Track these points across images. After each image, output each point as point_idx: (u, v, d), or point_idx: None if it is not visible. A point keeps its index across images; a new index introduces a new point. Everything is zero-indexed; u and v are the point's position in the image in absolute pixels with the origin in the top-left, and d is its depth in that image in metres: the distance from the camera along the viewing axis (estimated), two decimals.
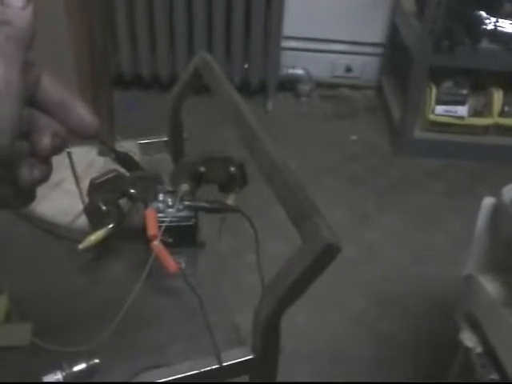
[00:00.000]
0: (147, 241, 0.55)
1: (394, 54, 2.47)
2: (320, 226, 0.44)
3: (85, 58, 0.72)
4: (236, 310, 0.61)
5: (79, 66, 0.72)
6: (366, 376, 1.40)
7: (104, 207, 0.58)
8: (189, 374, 0.50)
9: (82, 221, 0.65)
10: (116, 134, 0.82)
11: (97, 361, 0.50)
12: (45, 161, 0.34)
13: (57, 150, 0.34)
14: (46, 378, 0.49)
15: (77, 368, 0.50)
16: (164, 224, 0.56)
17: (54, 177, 0.74)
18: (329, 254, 0.42)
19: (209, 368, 0.51)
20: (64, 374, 0.50)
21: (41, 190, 0.75)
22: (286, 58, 2.46)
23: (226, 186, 0.64)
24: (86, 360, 0.50)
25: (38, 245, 0.68)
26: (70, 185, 0.69)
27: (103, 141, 0.74)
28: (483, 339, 0.90)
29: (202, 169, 0.61)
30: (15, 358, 0.51)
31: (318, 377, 1.39)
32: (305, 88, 2.52)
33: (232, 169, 0.62)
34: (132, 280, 0.51)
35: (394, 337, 1.50)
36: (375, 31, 2.48)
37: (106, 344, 0.49)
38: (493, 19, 1.98)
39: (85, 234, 0.60)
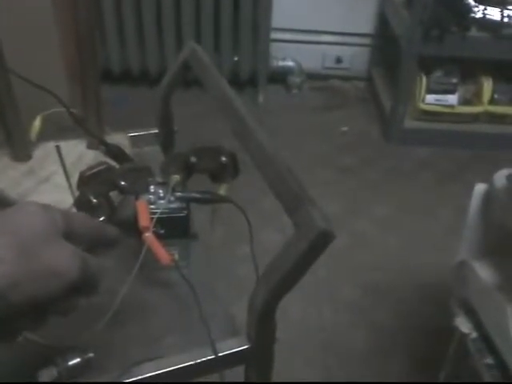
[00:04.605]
0: (139, 233, 0.54)
1: (384, 44, 2.47)
2: (313, 213, 0.43)
3: (72, 49, 0.71)
4: (230, 300, 0.60)
5: (67, 57, 0.71)
6: (362, 365, 1.41)
7: (94, 200, 0.58)
8: (184, 365, 0.50)
9: None
10: (106, 127, 0.81)
11: (91, 355, 0.50)
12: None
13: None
14: (41, 374, 0.49)
15: (71, 362, 0.50)
16: (156, 215, 0.55)
17: (43, 171, 0.74)
18: (322, 240, 0.42)
19: (204, 359, 0.51)
20: (58, 369, 0.49)
21: (30, 185, 0.74)
22: (276, 49, 2.45)
23: (217, 177, 0.63)
24: (80, 354, 0.50)
25: None
26: (60, 178, 0.68)
27: (93, 134, 0.73)
28: (478, 324, 0.90)
29: (193, 159, 0.61)
30: (7, 353, 0.50)
31: (312, 367, 1.39)
32: (295, 80, 2.52)
33: (223, 159, 0.62)
34: (124, 272, 0.51)
35: (388, 325, 1.51)
36: (365, 22, 2.48)
37: (99, 337, 0.48)
38: (481, 7, 1.99)
39: None
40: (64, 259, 0.40)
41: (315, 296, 1.54)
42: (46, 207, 0.41)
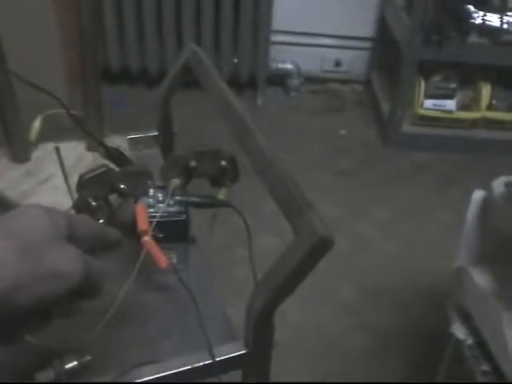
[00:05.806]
0: (138, 236, 0.54)
1: (384, 48, 2.47)
2: (313, 219, 0.43)
3: (72, 51, 0.71)
4: (228, 304, 0.60)
5: (67, 59, 0.71)
6: (359, 368, 1.41)
7: (93, 203, 0.58)
8: (181, 369, 0.50)
9: None
10: (105, 128, 0.81)
11: (88, 358, 0.50)
12: None
13: None
14: (38, 375, 0.49)
15: (68, 365, 0.50)
16: (155, 219, 0.55)
17: (42, 172, 0.74)
18: (322, 247, 0.42)
19: (202, 363, 0.51)
20: (56, 371, 0.49)
21: (29, 186, 0.74)
22: (276, 52, 2.45)
23: (217, 181, 0.63)
24: (78, 357, 0.50)
25: None
26: (59, 180, 0.68)
27: (92, 136, 0.73)
28: (474, 331, 0.90)
29: (193, 163, 0.61)
30: (5, 355, 0.50)
31: (311, 370, 1.39)
32: (294, 82, 2.52)
33: (223, 163, 0.62)
34: (123, 275, 0.51)
35: (385, 328, 1.51)
36: (364, 25, 2.48)
37: (97, 340, 0.48)
38: (481, 13, 1.99)
39: None
40: (67, 262, 0.40)
41: (314, 298, 1.54)
42: (49, 210, 0.41)
